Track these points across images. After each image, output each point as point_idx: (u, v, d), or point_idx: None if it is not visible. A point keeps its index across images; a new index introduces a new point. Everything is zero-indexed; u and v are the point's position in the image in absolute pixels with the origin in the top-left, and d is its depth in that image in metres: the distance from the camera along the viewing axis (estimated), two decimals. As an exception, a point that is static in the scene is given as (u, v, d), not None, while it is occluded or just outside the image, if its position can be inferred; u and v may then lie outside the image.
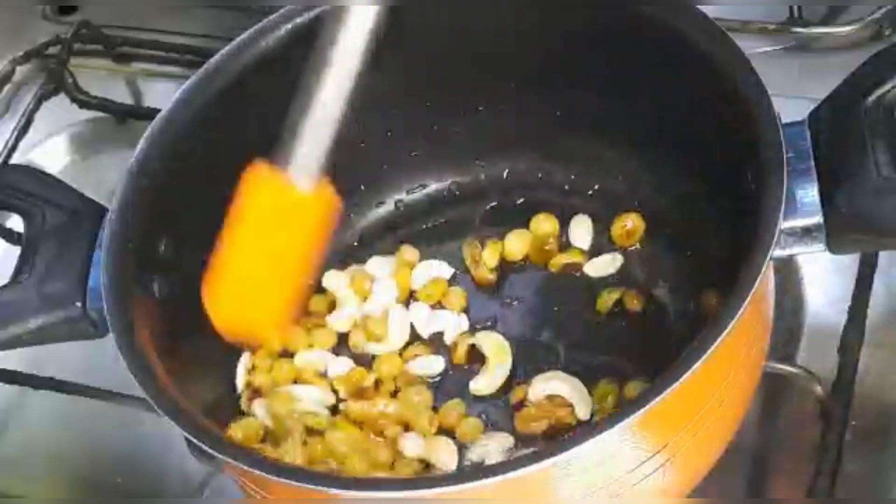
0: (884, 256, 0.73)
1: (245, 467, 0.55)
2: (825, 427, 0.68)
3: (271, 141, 0.63)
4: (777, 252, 0.57)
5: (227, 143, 0.69)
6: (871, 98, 0.59)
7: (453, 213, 0.77)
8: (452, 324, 0.72)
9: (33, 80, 0.96)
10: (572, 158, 0.75)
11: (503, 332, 0.70)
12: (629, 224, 0.72)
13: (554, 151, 0.75)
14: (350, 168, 0.70)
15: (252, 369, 0.71)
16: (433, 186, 0.77)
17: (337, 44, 0.60)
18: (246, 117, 0.69)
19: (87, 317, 0.65)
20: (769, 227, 0.56)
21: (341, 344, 0.72)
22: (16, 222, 0.72)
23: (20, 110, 0.92)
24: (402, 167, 0.77)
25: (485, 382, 0.69)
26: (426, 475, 0.65)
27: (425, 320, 0.72)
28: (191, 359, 0.65)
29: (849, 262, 0.73)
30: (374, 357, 0.71)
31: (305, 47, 0.66)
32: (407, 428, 0.67)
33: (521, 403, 0.67)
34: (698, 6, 0.64)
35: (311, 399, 0.69)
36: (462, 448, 0.66)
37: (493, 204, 0.76)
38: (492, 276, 0.73)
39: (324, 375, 0.71)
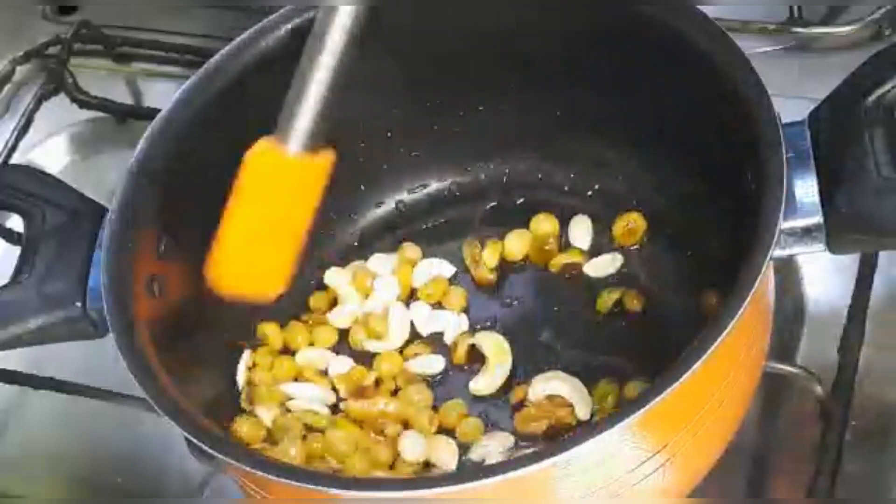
0: (884, 256, 0.73)
1: (245, 467, 0.55)
2: (825, 427, 0.68)
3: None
4: (777, 252, 0.57)
5: (227, 144, 0.69)
6: (871, 98, 0.59)
7: (453, 213, 0.77)
8: (452, 324, 0.72)
9: (33, 80, 0.96)
10: (572, 158, 0.75)
11: (503, 332, 0.70)
12: (631, 223, 0.72)
13: (554, 151, 0.75)
14: (350, 168, 0.70)
15: (253, 367, 0.71)
16: (433, 186, 0.77)
17: (329, 28, 0.60)
18: (246, 117, 0.69)
19: (87, 317, 0.65)
20: (769, 227, 0.56)
21: (341, 342, 0.73)
22: (16, 222, 0.72)
23: (20, 110, 0.92)
24: (402, 167, 0.77)
25: (485, 382, 0.69)
26: (426, 475, 0.65)
27: (425, 319, 0.72)
28: (191, 358, 0.65)
29: (849, 262, 0.73)
30: (374, 356, 0.71)
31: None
32: (407, 427, 0.67)
33: (521, 403, 0.67)
34: (698, 6, 0.64)
35: (312, 397, 0.69)
36: (462, 448, 0.67)
37: (493, 204, 0.77)
38: (492, 276, 0.73)
39: (324, 374, 0.71)
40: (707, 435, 0.60)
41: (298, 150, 0.61)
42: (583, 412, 0.66)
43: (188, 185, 0.68)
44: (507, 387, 0.68)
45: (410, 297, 0.74)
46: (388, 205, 0.77)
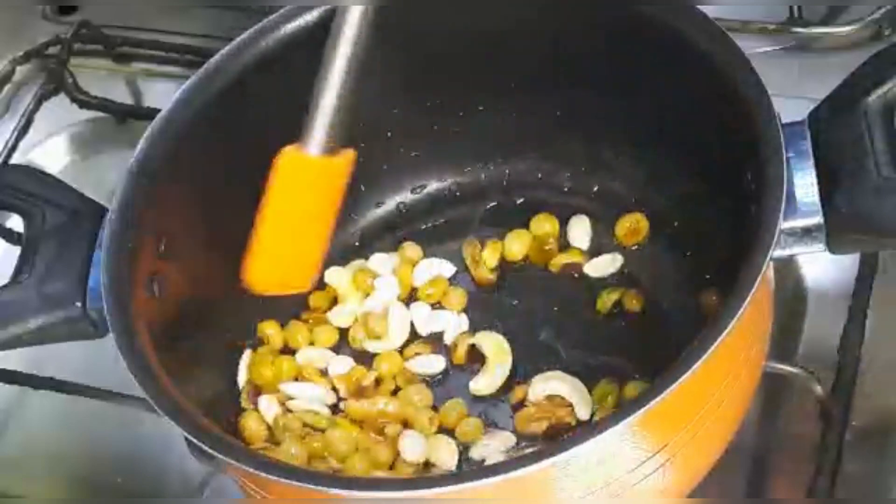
0: (884, 256, 0.73)
1: (245, 467, 0.55)
2: (825, 427, 0.68)
3: (271, 141, 0.64)
4: (777, 252, 0.57)
5: (227, 143, 0.69)
6: (871, 98, 0.59)
7: (453, 214, 0.77)
8: (452, 324, 0.72)
9: (33, 80, 0.96)
10: (572, 158, 0.75)
11: (503, 332, 0.70)
12: (634, 224, 0.72)
13: (554, 151, 0.75)
14: (350, 168, 0.70)
15: (253, 366, 0.71)
16: (433, 186, 0.77)
17: (343, 24, 0.63)
18: (246, 117, 0.69)
19: (87, 317, 0.65)
20: (769, 227, 0.56)
21: (341, 341, 0.73)
22: (16, 222, 0.72)
23: (20, 110, 0.91)
24: (402, 167, 0.77)
25: (485, 382, 0.69)
26: (426, 475, 0.65)
27: (425, 319, 0.72)
28: (191, 358, 0.65)
29: (849, 262, 0.73)
30: (374, 356, 0.71)
31: (305, 47, 0.66)
32: (407, 427, 0.67)
33: (521, 403, 0.67)
34: (698, 6, 0.64)
35: (312, 397, 0.69)
36: (463, 448, 0.67)
37: (493, 204, 0.77)
38: (492, 276, 0.73)
39: (325, 373, 0.71)
40: (707, 435, 0.60)
41: (321, 152, 0.63)
42: (583, 412, 0.66)
43: (188, 185, 0.68)
44: (507, 387, 0.68)
45: (410, 296, 0.74)
46: (389, 205, 0.77)
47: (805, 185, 0.59)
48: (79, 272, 0.65)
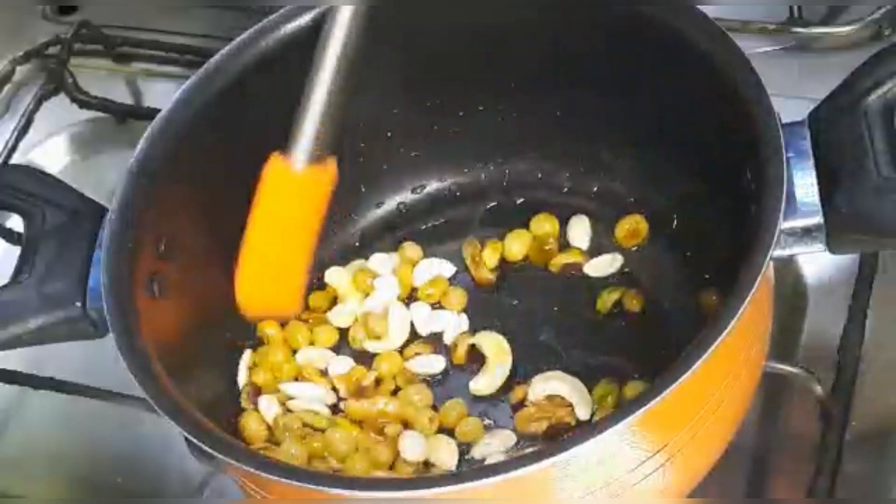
0: (884, 256, 0.73)
1: (245, 467, 0.55)
2: (825, 427, 0.68)
3: (271, 141, 0.64)
4: (777, 252, 0.57)
5: (227, 143, 0.69)
6: (871, 98, 0.59)
7: (453, 214, 0.77)
8: (452, 324, 0.72)
9: (33, 80, 0.96)
10: (572, 158, 0.75)
11: (503, 332, 0.70)
12: (634, 226, 0.72)
13: (554, 151, 0.75)
14: (350, 169, 0.70)
15: (253, 366, 0.71)
16: (433, 186, 0.77)
17: (332, 31, 0.62)
18: (246, 117, 0.69)
19: (87, 317, 0.65)
20: (769, 227, 0.56)
21: (341, 341, 0.73)
22: (16, 222, 0.72)
23: (20, 110, 0.91)
24: (402, 168, 0.77)
25: (485, 382, 0.69)
26: (426, 475, 0.65)
27: (425, 319, 0.72)
28: (191, 358, 0.65)
29: (849, 262, 0.73)
30: (374, 356, 0.71)
31: (305, 47, 0.66)
32: (407, 427, 0.67)
33: (521, 403, 0.67)
34: (698, 6, 0.64)
35: (312, 397, 0.69)
36: (463, 447, 0.67)
37: (493, 204, 0.77)
38: (492, 276, 0.73)
39: (325, 373, 0.71)
40: (707, 435, 0.60)
41: (307, 160, 0.63)
42: (583, 412, 0.66)
43: (188, 185, 0.68)
44: (507, 387, 0.68)
45: (410, 296, 0.74)
46: (389, 205, 0.77)
47: (805, 184, 0.59)
48: (79, 272, 0.65)
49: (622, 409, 0.53)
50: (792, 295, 0.74)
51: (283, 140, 0.64)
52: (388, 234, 0.77)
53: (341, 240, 0.76)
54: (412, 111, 0.74)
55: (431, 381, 0.70)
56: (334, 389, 0.70)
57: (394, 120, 0.74)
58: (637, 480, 0.57)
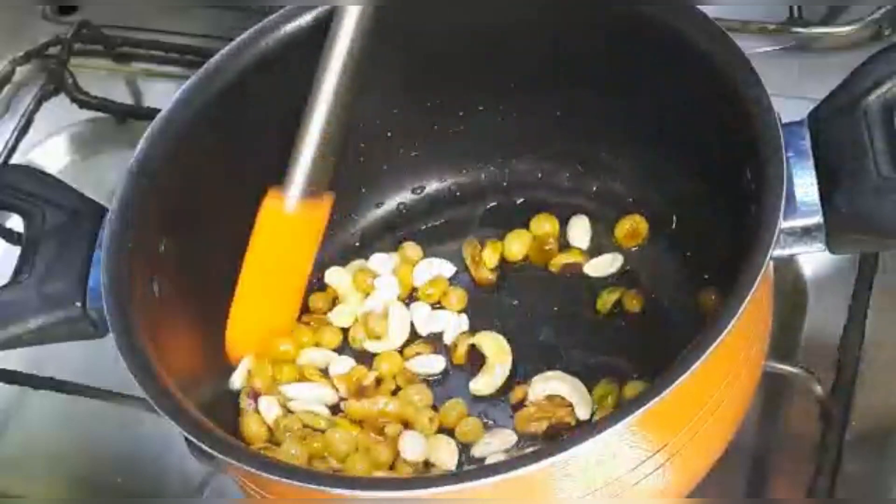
0: (884, 256, 0.73)
1: (245, 467, 0.55)
2: (825, 427, 0.68)
3: (271, 141, 0.64)
4: (777, 252, 0.57)
5: (227, 143, 0.69)
6: (871, 98, 0.59)
7: (453, 214, 0.77)
8: (452, 324, 0.72)
9: (33, 80, 0.96)
10: (572, 158, 0.75)
11: (503, 332, 0.70)
12: (634, 226, 0.72)
13: (554, 151, 0.75)
14: (350, 169, 0.70)
15: (253, 367, 0.71)
16: (433, 187, 0.77)
17: (332, 49, 0.64)
18: (246, 117, 0.69)
19: (87, 317, 0.65)
20: (769, 227, 0.56)
21: (342, 341, 0.72)
22: (16, 222, 0.72)
23: (20, 110, 0.92)
24: (402, 168, 0.77)
25: (485, 382, 0.69)
26: (426, 475, 0.65)
27: (425, 319, 0.72)
28: (191, 358, 0.65)
29: (849, 262, 0.73)
30: (374, 356, 0.71)
31: (305, 47, 0.66)
32: (407, 427, 0.67)
33: (521, 403, 0.67)
34: (698, 6, 0.64)
35: (312, 397, 0.69)
36: (462, 447, 0.67)
37: (493, 204, 0.76)
38: (492, 276, 0.73)
39: (325, 373, 0.71)
40: (707, 435, 0.60)
41: (301, 199, 0.66)
42: (583, 412, 0.66)
43: (188, 185, 0.68)
44: (507, 387, 0.68)
45: (410, 296, 0.74)
46: (389, 205, 0.77)
47: (805, 184, 0.59)
48: (79, 272, 0.65)
49: (622, 409, 0.53)
50: (792, 294, 0.74)
51: (283, 140, 0.64)
52: (388, 235, 0.77)
53: (341, 240, 0.76)
54: (412, 111, 0.74)
55: (431, 381, 0.70)
56: (335, 389, 0.70)
57: (394, 120, 0.74)
58: (637, 480, 0.57)
